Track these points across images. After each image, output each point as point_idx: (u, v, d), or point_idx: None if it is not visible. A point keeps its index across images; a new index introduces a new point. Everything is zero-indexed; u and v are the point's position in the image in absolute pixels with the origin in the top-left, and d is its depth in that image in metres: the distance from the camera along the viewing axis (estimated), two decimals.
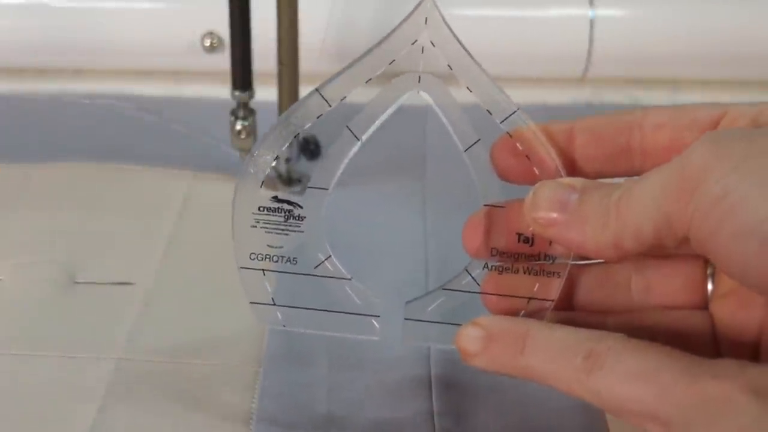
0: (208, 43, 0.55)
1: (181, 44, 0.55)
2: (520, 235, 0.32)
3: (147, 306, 0.40)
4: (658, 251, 0.30)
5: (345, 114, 0.55)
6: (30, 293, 0.41)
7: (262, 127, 0.47)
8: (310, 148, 0.49)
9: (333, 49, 0.55)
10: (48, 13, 0.55)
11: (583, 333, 0.29)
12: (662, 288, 0.33)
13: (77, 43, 0.56)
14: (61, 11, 0.55)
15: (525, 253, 0.32)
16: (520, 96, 0.56)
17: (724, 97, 0.57)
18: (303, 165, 0.49)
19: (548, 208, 0.30)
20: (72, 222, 0.45)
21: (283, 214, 0.34)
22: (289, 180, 0.48)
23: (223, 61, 0.55)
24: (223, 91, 0.54)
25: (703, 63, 0.57)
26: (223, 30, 0.54)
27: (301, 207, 0.34)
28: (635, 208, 0.28)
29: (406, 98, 0.43)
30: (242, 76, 0.45)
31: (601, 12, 0.56)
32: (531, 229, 0.31)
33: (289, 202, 0.34)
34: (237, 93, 0.46)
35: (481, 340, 0.30)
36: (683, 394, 0.26)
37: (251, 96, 0.46)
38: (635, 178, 0.29)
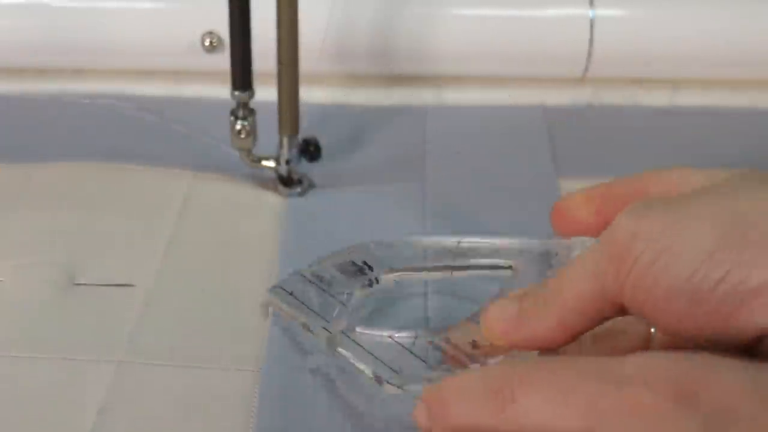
0: (208, 43, 0.55)
1: (181, 44, 0.55)
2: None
3: (147, 308, 0.40)
4: (600, 323, 0.30)
5: (345, 114, 0.55)
6: (30, 295, 0.41)
7: (262, 127, 0.47)
8: (310, 150, 0.49)
9: (333, 49, 0.55)
10: (48, 13, 0.55)
11: (489, 371, 0.29)
12: None
13: (77, 43, 0.56)
14: (61, 11, 0.55)
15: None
16: (520, 96, 0.57)
17: (725, 97, 0.57)
18: (304, 166, 0.49)
19: (498, 324, 0.31)
20: (72, 222, 0.45)
21: None
22: (289, 181, 0.48)
23: (223, 61, 0.55)
24: (223, 91, 0.54)
25: (703, 63, 0.57)
26: (223, 30, 0.54)
27: None
28: (571, 286, 0.29)
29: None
30: (242, 76, 0.45)
31: (601, 12, 0.55)
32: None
33: None
34: (237, 93, 0.46)
35: (424, 411, 0.30)
36: (612, 404, 0.25)
37: (251, 96, 0.46)
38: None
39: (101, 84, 0.57)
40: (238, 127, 0.47)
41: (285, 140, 0.48)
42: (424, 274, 0.41)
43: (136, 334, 0.39)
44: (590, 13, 0.55)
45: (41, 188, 0.47)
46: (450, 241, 0.41)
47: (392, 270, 0.40)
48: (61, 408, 0.36)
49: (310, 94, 0.52)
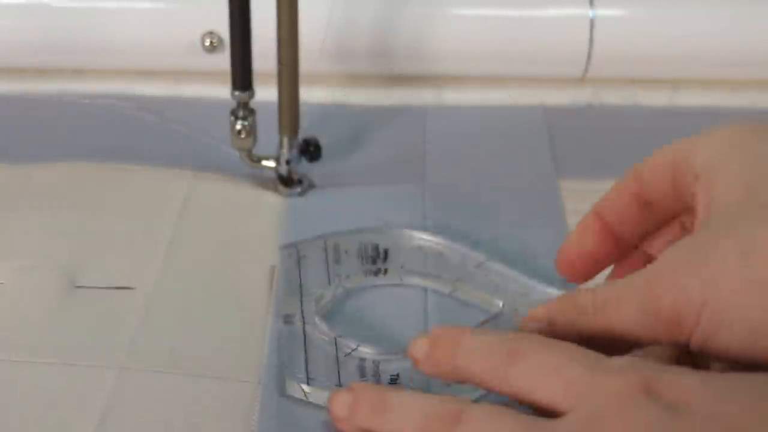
0: (208, 43, 0.55)
1: (181, 44, 0.55)
2: None
3: (148, 311, 0.40)
4: None
5: (345, 114, 0.55)
6: (31, 298, 0.41)
7: (262, 127, 0.47)
8: (310, 150, 0.49)
9: (333, 49, 0.55)
10: (48, 13, 0.55)
11: (508, 335, 0.33)
12: None
13: (77, 43, 0.56)
14: (61, 11, 0.55)
15: None
16: (520, 96, 0.57)
17: (725, 97, 0.57)
18: (304, 166, 0.49)
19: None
20: (72, 223, 0.45)
21: None
22: (289, 181, 0.48)
23: (223, 61, 0.55)
24: (223, 91, 0.54)
25: (703, 63, 0.57)
26: (223, 30, 0.54)
27: None
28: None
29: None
30: (242, 76, 0.45)
31: (601, 12, 0.55)
32: None
33: None
34: (237, 93, 0.46)
35: (426, 347, 0.34)
36: (588, 388, 0.30)
37: (251, 96, 0.46)
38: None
39: (101, 84, 0.57)
40: (238, 127, 0.47)
41: (285, 140, 0.48)
42: (429, 282, 0.43)
43: (136, 340, 0.39)
44: (590, 13, 0.55)
45: (41, 188, 0.47)
46: (474, 256, 0.43)
47: (403, 268, 0.43)
48: (63, 414, 0.35)
49: (310, 94, 0.52)
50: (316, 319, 0.40)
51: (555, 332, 0.34)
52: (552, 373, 0.31)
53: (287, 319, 0.40)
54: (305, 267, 0.43)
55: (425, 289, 0.43)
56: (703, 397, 0.28)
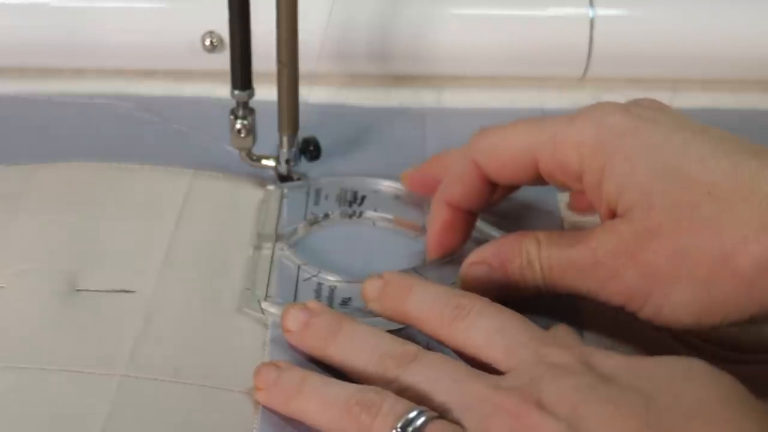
0: (208, 42, 0.55)
1: (181, 44, 0.55)
2: None
3: (149, 316, 0.40)
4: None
5: (345, 114, 0.55)
6: (31, 302, 0.41)
7: (261, 126, 0.47)
8: (310, 150, 0.49)
9: (333, 49, 0.55)
10: (48, 13, 0.55)
11: (457, 291, 0.37)
12: None
13: (77, 43, 0.56)
14: (61, 11, 0.55)
15: None
16: (520, 96, 0.57)
17: (725, 97, 0.57)
18: (303, 166, 0.49)
19: None
20: (72, 223, 0.45)
21: None
22: (289, 180, 0.48)
23: (223, 61, 0.55)
24: (223, 91, 0.54)
25: (703, 63, 0.57)
26: (223, 30, 0.54)
27: None
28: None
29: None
30: (242, 75, 0.45)
31: (601, 12, 0.55)
32: None
33: None
34: (237, 92, 0.46)
35: (378, 288, 0.38)
36: (530, 354, 0.34)
37: (251, 95, 0.46)
38: None
39: (101, 84, 0.57)
40: (237, 126, 0.47)
41: (285, 140, 0.48)
42: (399, 226, 0.46)
43: (138, 346, 0.38)
44: (590, 13, 0.55)
45: (41, 189, 0.47)
46: None
47: (376, 212, 0.47)
48: (64, 423, 0.35)
49: (310, 94, 0.52)
50: (286, 248, 0.44)
51: (496, 279, 0.39)
52: (496, 335, 0.35)
53: (259, 246, 0.44)
54: (286, 204, 0.47)
55: (394, 232, 0.46)
56: (628, 373, 0.32)
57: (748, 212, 0.34)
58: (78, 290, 0.41)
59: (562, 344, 0.34)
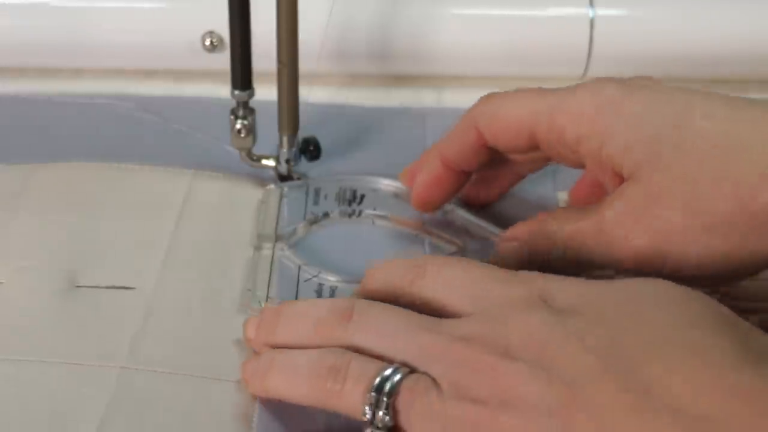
0: (208, 42, 0.55)
1: (181, 44, 0.55)
2: None
3: (148, 312, 0.40)
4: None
5: (345, 114, 0.55)
6: (31, 298, 0.41)
7: (261, 126, 0.47)
8: (310, 150, 0.49)
9: (333, 49, 0.55)
10: (48, 13, 0.55)
11: (412, 259, 0.37)
12: None
13: (77, 43, 0.56)
14: (61, 11, 0.55)
15: None
16: None
17: None
18: (303, 165, 0.49)
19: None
20: (72, 222, 0.45)
21: None
22: (289, 180, 0.48)
23: (223, 60, 0.55)
24: (223, 91, 0.54)
25: (704, 63, 0.57)
26: (224, 30, 0.54)
27: None
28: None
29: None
30: (242, 75, 0.45)
31: (601, 12, 0.56)
32: None
33: None
34: (237, 92, 0.46)
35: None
36: (496, 295, 0.33)
37: (251, 95, 0.46)
38: None
39: (101, 84, 0.57)
40: (238, 126, 0.47)
41: (285, 140, 0.48)
42: (397, 225, 0.46)
43: (137, 340, 0.39)
44: (590, 13, 0.55)
45: (41, 188, 0.47)
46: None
47: (376, 211, 0.47)
48: (64, 415, 0.35)
49: (309, 94, 0.52)
50: (286, 249, 0.44)
51: (526, 254, 0.40)
52: (460, 285, 0.35)
53: (259, 246, 0.44)
54: (285, 204, 0.47)
55: (393, 231, 0.46)
56: (587, 301, 0.32)
57: (757, 157, 0.35)
58: (78, 287, 0.42)
59: (523, 280, 0.34)
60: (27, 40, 0.56)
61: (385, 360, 0.33)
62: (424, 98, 0.57)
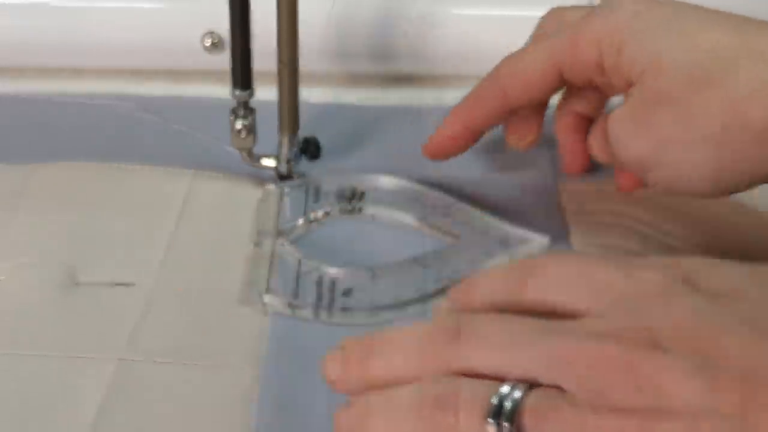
0: (208, 42, 0.55)
1: (181, 44, 0.55)
2: None
3: (148, 306, 0.40)
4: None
5: (345, 113, 0.55)
6: (31, 294, 0.41)
7: (262, 126, 0.47)
8: (310, 149, 0.49)
9: (333, 49, 0.55)
10: (48, 13, 0.55)
11: (511, 265, 0.34)
12: None
13: (77, 43, 0.56)
14: (61, 11, 0.55)
15: None
16: None
17: None
18: (304, 165, 0.49)
19: None
20: (72, 221, 0.45)
21: None
22: (289, 180, 0.48)
23: (223, 61, 0.55)
24: (223, 91, 0.54)
25: None
26: (223, 30, 0.54)
27: None
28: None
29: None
30: (242, 75, 0.45)
31: None
32: None
33: None
34: (237, 92, 0.46)
35: (448, 304, 0.33)
36: (628, 285, 0.28)
37: (251, 95, 0.46)
38: None
39: (101, 84, 0.57)
40: (238, 126, 0.47)
41: (285, 139, 0.48)
42: (398, 220, 0.46)
43: (136, 333, 0.39)
44: None
45: (42, 187, 0.47)
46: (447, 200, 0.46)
47: (376, 207, 0.47)
48: (62, 405, 0.36)
49: (310, 94, 0.52)
50: (286, 244, 0.44)
51: None
52: (575, 279, 0.29)
53: (259, 243, 0.44)
54: (285, 202, 0.47)
55: (394, 227, 0.46)
56: (745, 283, 0.27)
57: (754, 68, 0.35)
58: (77, 283, 0.42)
59: (657, 265, 0.29)
60: (27, 40, 0.56)
61: (504, 377, 0.27)
62: (424, 98, 0.57)
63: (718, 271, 0.28)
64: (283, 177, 0.48)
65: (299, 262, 0.43)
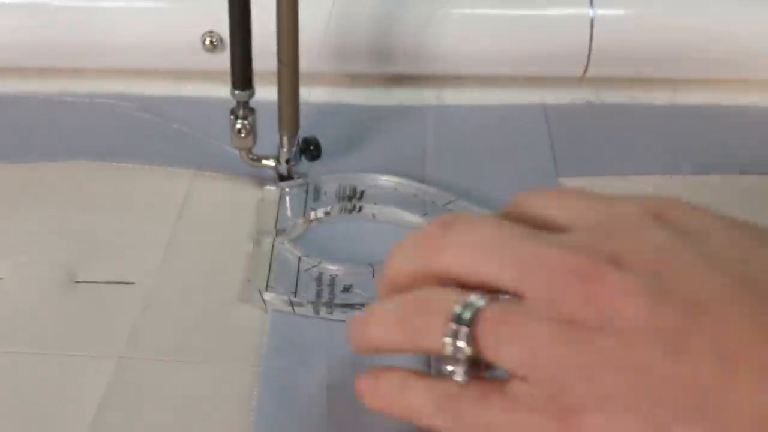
0: (208, 42, 0.55)
1: (181, 44, 0.55)
2: None
3: (147, 305, 0.40)
4: None
5: (345, 114, 0.55)
6: (30, 292, 0.41)
7: (262, 126, 0.47)
8: (310, 149, 0.49)
9: (333, 49, 0.55)
10: (48, 13, 0.55)
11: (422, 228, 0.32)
12: None
13: (77, 43, 0.56)
14: (61, 11, 0.55)
15: None
16: (521, 96, 0.57)
17: (725, 97, 0.57)
18: (304, 165, 0.49)
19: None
20: (72, 221, 0.45)
21: None
22: (289, 181, 0.49)
23: (223, 61, 0.55)
24: (223, 91, 0.54)
25: (703, 63, 0.57)
26: (223, 30, 0.54)
27: None
28: None
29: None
30: (242, 75, 0.45)
31: (601, 12, 0.55)
32: None
33: None
34: (237, 92, 0.46)
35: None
36: (603, 211, 0.29)
37: (251, 95, 0.46)
38: None
39: (101, 84, 0.57)
40: (238, 126, 0.47)
41: (285, 139, 0.48)
42: (398, 217, 0.46)
43: (136, 331, 0.39)
44: (590, 12, 0.55)
45: (42, 187, 0.47)
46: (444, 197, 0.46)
47: (376, 206, 0.47)
48: (61, 403, 0.36)
49: (310, 94, 0.52)
50: (286, 242, 0.44)
51: None
52: (558, 201, 0.30)
53: (258, 242, 0.44)
54: (285, 201, 0.47)
55: (394, 224, 0.46)
56: (719, 227, 0.28)
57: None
58: (77, 282, 0.42)
59: (634, 200, 0.29)
60: (27, 40, 0.56)
61: (471, 278, 0.29)
62: (424, 98, 0.57)
63: (693, 213, 0.29)
64: (283, 177, 0.48)
65: (299, 259, 0.43)
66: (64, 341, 0.39)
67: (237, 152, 0.48)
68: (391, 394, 0.31)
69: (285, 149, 0.48)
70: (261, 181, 0.48)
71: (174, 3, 0.56)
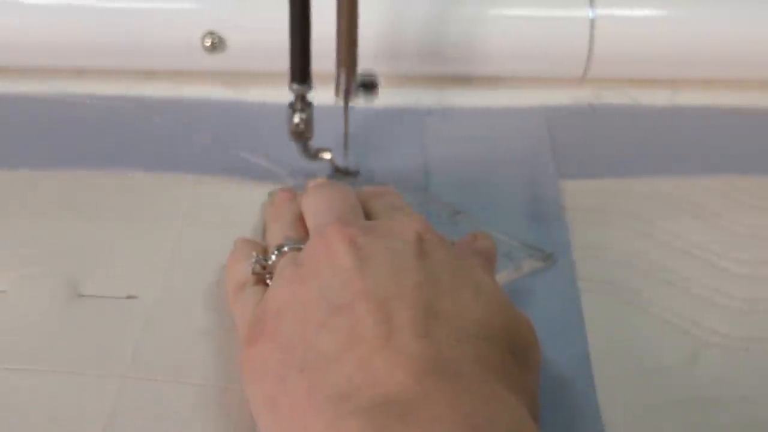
0: (208, 43, 0.55)
1: (181, 44, 0.55)
2: None
3: (150, 319, 0.40)
4: None
5: (351, 117, 0.55)
6: (34, 307, 0.41)
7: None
8: (367, 87, 0.49)
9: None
10: (48, 13, 0.55)
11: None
12: None
13: (77, 43, 0.56)
14: (61, 11, 0.55)
15: None
16: (521, 96, 0.57)
17: (725, 97, 0.57)
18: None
19: None
20: (75, 230, 0.45)
21: None
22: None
23: (223, 60, 0.55)
24: (223, 91, 0.54)
25: (703, 63, 0.57)
26: (224, 30, 0.54)
27: None
28: None
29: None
30: (300, 68, 0.45)
31: (601, 12, 0.56)
32: None
33: None
34: (295, 86, 0.45)
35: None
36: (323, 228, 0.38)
37: (309, 89, 0.45)
38: None
39: (101, 84, 0.57)
40: (296, 119, 0.46)
41: (342, 73, 0.47)
42: None
43: (140, 348, 0.38)
44: (590, 13, 0.55)
45: (44, 196, 0.47)
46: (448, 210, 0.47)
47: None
48: (66, 422, 0.35)
49: (314, 96, 0.52)
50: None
51: None
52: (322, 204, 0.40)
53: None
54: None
55: None
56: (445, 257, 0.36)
57: None
58: (81, 295, 0.41)
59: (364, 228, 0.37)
60: (27, 40, 0.56)
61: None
62: (424, 98, 0.57)
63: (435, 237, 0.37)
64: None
65: None
66: (68, 359, 0.38)
67: (239, 154, 0.48)
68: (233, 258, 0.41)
69: (342, 83, 0.47)
70: (263, 184, 0.48)
71: (174, 3, 0.56)
